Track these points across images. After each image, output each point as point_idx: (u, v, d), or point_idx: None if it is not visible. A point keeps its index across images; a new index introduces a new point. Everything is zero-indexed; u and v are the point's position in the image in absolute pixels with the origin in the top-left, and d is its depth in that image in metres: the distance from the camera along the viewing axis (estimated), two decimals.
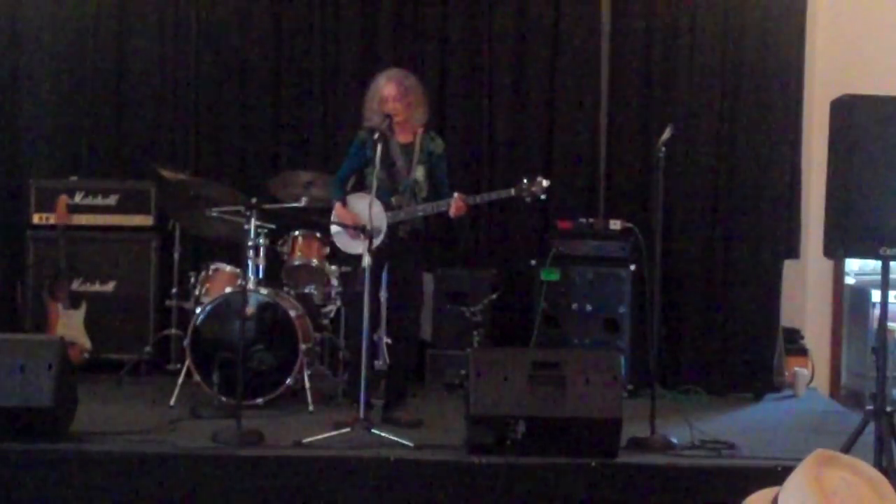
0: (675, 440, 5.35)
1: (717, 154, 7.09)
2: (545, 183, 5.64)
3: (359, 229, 5.49)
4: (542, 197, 5.70)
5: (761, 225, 6.99)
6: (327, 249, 6.34)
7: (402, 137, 5.77)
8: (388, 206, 5.67)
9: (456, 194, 5.65)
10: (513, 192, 5.68)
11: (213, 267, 6.41)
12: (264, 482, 4.91)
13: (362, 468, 4.92)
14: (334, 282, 6.41)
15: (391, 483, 4.90)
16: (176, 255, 6.96)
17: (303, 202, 6.42)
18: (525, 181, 5.65)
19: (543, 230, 7.17)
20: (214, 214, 6.23)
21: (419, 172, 5.76)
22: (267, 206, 6.04)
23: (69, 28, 7.41)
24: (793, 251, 7.12)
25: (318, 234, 6.40)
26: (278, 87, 7.41)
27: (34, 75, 7.41)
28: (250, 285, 5.95)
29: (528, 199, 5.70)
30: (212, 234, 6.50)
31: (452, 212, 5.63)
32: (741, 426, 5.99)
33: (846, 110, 4.62)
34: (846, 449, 4.62)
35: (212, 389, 5.93)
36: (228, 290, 6.16)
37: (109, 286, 7.10)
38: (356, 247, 5.54)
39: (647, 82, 7.20)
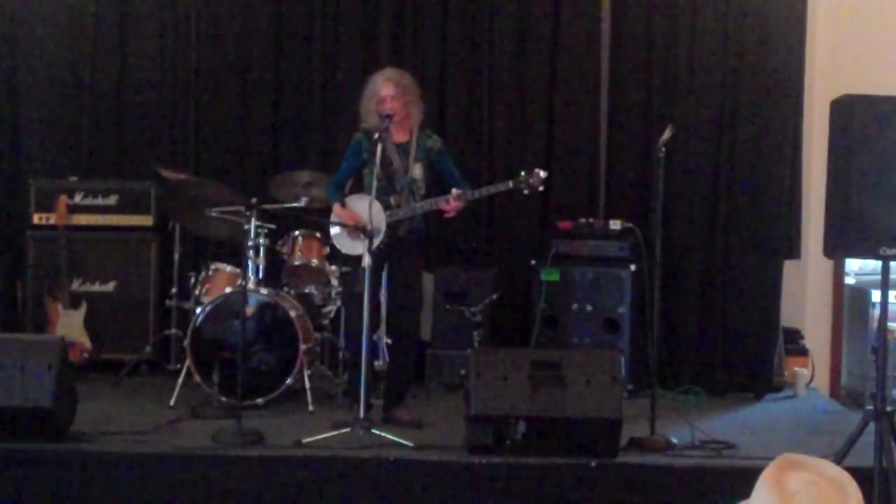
0: (675, 440, 5.36)
1: (717, 154, 7.08)
2: (543, 175, 5.65)
3: (359, 229, 5.49)
4: (541, 189, 5.71)
5: (761, 225, 6.99)
6: (327, 249, 6.34)
7: (398, 137, 5.76)
8: (386, 206, 5.67)
9: (454, 190, 5.64)
10: (511, 184, 5.69)
11: (213, 267, 6.41)
12: (264, 482, 4.91)
13: (362, 468, 4.92)
14: (334, 282, 6.41)
15: (391, 483, 4.90)
16: (176, 255, 6.97)
17: (303, 202, 6.42)
18: (523, 174, 5.66)
19: (543, 230, 7.17)
20: (214, 214, 6.23)
21: (416, 171, 5.75)
22: (267, 206, 6.04)
23: (69, 28, 7.41)
24: (793, 251, 7.12)
25: (318, 234, 6.41)
26: (278, 87, 7.41)
27: (34, 75, 7.41)
28: (250, 285, 5.95)
29: (526, 192, 5.70)
30: (212, 234, 6.50)
31: (446, 208, 5.63)
32: (741, 426, 5.99)
33: (846, 110, 4.61)
34: (846, 449, 4.62)
35: (212, 389, 5.94)
36: (228, 290, 6.17)
37: (109, 286, 7.10)
38: (357, 248, 5.54)
39: (647, 82, 7.20)
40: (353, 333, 5.67)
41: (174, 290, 6.91)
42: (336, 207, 5.81)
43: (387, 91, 5.68)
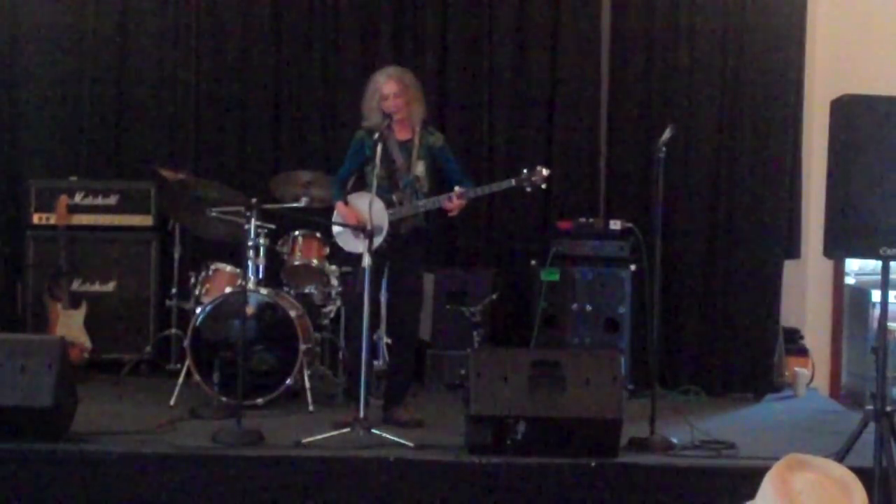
0: (675, 440, 5.35)
1: (717, 154, 7.08)
2: (545, 172, 5.64)
3: (359, 228, 5.49)
4: (543, 186, 5.71)
5: (761, 225, 6.99)
6: (327, 249, 6.35)
7: (400, 135, 5.77)
8: (389, 204, 5.67)
9: (456, 188, 5.64)
10: (513, 182, 5.68)
11: (213, 267, 6.41)
12: (264, 482, 4.91)
13: (362, 468, 4.92)
14: (334, 282, 6.41)
15: (391, 483, 4.90)
16: (176, 255, 6.97)
17: (303, 202, 6.42)
18: (525, 171, 5.66)
19: (543, 230, 7.17)
20: (214, 214, 6.23)
21: (419, 169, 5.76)
22: (267, 206, 6.04)
23: (69, 28, 7.41)
24: (793, 251, 7.12)
25: (318, 234, 6.41)
26: (278, 87, 7.41)
27: (34, 75, 7.41)
28: (250, 285, 5.95)
29: (529, 189, 5.70)
30: (212, 234, 6.49)
31: (449, 207, 5.63)
32: (741, 426, 5.99)
33: (846, 110, 4.61)
34: (846, 449, 4.62)
35: (212, 389, 5.93)
36: (228, 290, 6.16)
37: (109, 286, 7.10)
38: (359, 246, 5.53)
39: (647, 82, 7.20)
40: (353, 333, 5.67)
41: (174, 290, 6.91)
42: (339, 205, 5.81)
43: (389, 89, 5.69)
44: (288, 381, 6.01)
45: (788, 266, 7.10)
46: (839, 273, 7.25)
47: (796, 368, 7.01)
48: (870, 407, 4.88)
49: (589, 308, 6.76)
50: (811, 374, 7.10)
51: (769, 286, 6.98)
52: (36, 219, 7.13)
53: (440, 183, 5.91)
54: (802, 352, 7.14)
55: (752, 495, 1.89)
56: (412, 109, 5.75)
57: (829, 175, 4.72)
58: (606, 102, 7.32)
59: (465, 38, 7.34)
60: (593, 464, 4.94)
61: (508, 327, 7.14)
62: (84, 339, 6.85)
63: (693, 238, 7.09)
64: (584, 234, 6.88)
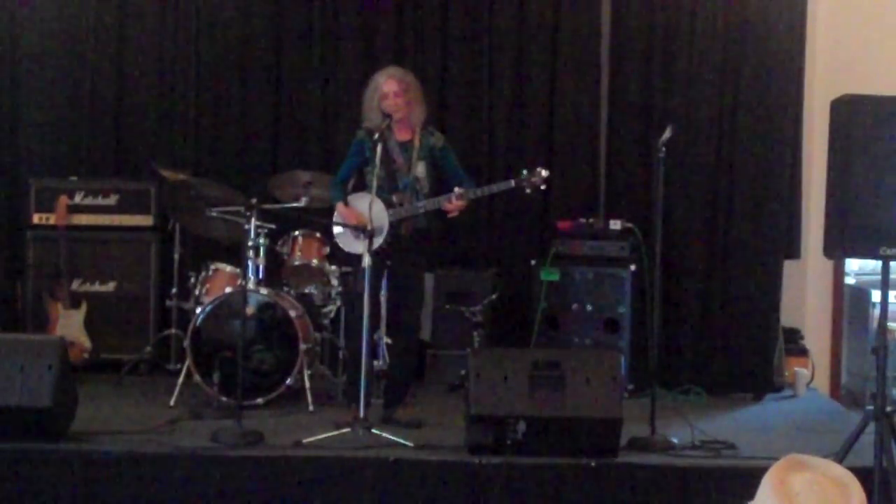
0: (675, 440, 5.36)
1: (717, 154, 7.08)
2: (545, 173, 5.65)
3: (360, 229, 5.49)
4: (543, 187, 5.71)
5: (761, 225, 6.99)
6: (327, 249, 6.35)
7: (400, 135, 5.77)
8: (389, 205, 5.68)
9: (456, 189, 5.64)
10: (513, 183, 5.69)
11: (213, 267, 6.41)
12: (264, 482, 4.91)
13: (362, 468, 4.92)
14: (334, 282, 6.42)
15: (391, 483, 4.90)
16: (176, 255, 6.97)
17: (303, 202, 6.42)
18: (525, 172, 5.66)
19: (543, 230, 7.17)
20: (214, 214, 6.24)
21: (420, 169, 5.76)
22: (267, 206, 6.04)
23: (69, 28, 7.42)
24: (793, 251, 7.12)
25: (318, 234, 6.41)
26: (278, 87, 7.42)
27: (34, 75, 7.42)
28: (250, 285, 5.95)
29: (528, 190, 5.70)
30: (212, 234, 6.50)
31: (449, 207, 5.63)
32: (741, 426, 5.99)
33: (846, 110, 4.61)
34: (846, 449, 4.62)
35: (212, 389, 5.94)
36: (228, 290, 6.17)
37: (109, 286, 7.10)
38: (360, 246, 5.52)
39: (647, 82, 7.20)
40: (353, 333, 5.67)
41: (174, 290, 6.91)
42: (339, 206, 5.81)
43: (389, 87, 5.69)
44: (288, 381, 6.01)
45: (788, 266, 7.10)
46: (839, 273, 7.24)
47: (796, 368, 7.02)
48: (870, 407, 4.88)
49: (589, 308, 6.76)
50: (811, 374, 7.10)
51: (769, 286, 6.97)
52: (36, 219, 7.13)
53: (440, 183, 5.91)
54: (802, 352, 7.14)
55: (751, 495, 1.90)
56: (412, 110, 5.75)
57: (829, 175, 4.72)
58: (606, 102, 7.32)
59: (465, 38, 7.34)
60: (593, 464, 4.94)
61: (508, 327, 7.13)
62: (84, 339, 6.85)
63: (693, 238, 7.09)
64: (584, 234, 6.88)
